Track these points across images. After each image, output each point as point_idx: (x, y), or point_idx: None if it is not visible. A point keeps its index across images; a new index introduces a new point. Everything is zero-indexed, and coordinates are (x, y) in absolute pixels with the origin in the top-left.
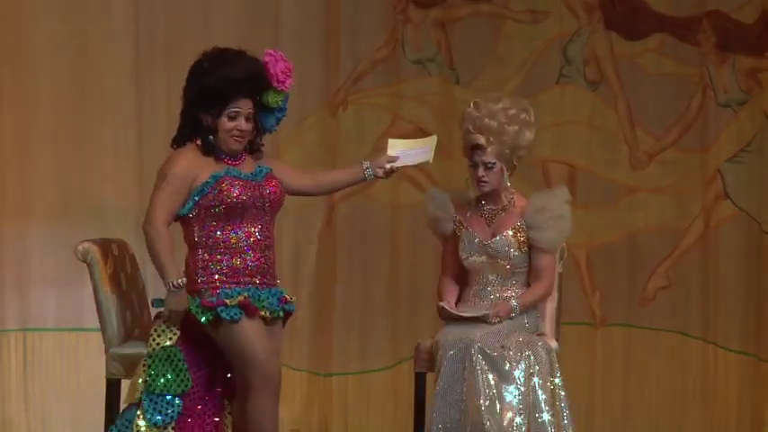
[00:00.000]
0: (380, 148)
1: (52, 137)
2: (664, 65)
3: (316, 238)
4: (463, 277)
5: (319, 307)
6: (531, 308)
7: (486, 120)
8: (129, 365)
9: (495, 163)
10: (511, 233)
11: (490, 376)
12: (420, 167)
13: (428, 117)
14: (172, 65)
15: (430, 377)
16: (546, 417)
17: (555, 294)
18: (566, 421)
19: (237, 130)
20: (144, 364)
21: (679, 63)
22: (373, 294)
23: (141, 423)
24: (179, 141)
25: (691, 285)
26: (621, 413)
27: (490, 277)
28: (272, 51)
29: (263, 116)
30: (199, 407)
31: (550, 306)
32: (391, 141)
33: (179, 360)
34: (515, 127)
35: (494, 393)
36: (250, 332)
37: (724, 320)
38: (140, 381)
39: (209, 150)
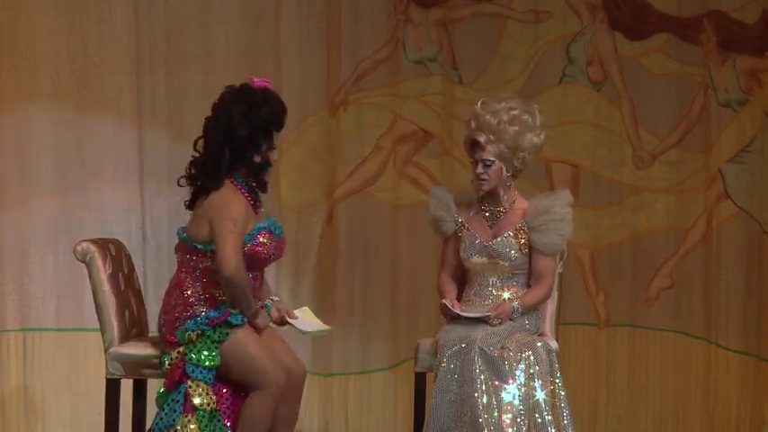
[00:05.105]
0: (381, 148)
1: (52, 136)
2: (667, 65)
3: (316, 238)
4: (462, 274)
5: (320, 307)
6: (532, 309)
7: (488, 117)
8: (129, 365)
9: (493, 161)
10: (512, 235)
11: (490, 376)
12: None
13: (429, 117)
14: (172, 64)
15: (430, 377)
16: (546, 417)
17: (555, 294)
18: (566, 421)
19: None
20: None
21: (682, 63)
22: (373, 294)
23: None
24: (218, 179)
25: (692, 285)
26: (625, 413)
27: (491, 278)
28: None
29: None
30: None
31: (551, 306)
32: (305, 310)
33: (223, 424)
34: (516, 127)
35: (493, 393)
36: (254, 343)
37: (725, 320)
38: None
39: (261, 190)
